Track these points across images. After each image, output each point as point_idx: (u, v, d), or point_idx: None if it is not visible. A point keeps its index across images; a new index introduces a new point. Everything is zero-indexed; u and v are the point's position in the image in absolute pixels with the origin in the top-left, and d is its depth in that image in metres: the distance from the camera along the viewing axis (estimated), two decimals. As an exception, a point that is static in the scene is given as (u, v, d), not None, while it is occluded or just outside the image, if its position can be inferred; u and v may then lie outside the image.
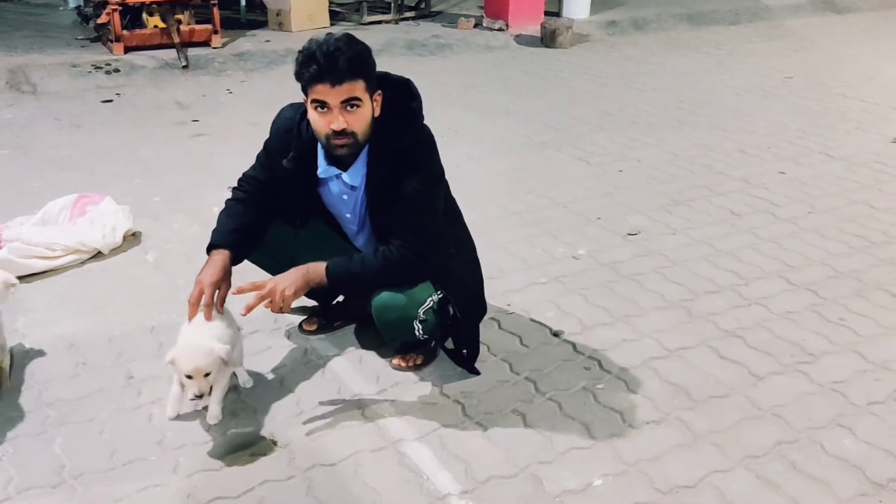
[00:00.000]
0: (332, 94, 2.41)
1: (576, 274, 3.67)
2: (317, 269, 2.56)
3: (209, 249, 2.68)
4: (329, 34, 2.46)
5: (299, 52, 2.45)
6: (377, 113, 2.53)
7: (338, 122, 2.44)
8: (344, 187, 2.68)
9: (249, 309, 2.48)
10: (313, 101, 2.45)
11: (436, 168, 2.66)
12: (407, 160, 2.55)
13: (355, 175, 2.62)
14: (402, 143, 2.55)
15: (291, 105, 2.74)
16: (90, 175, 4.77)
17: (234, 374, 2.78)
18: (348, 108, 2.43)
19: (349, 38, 2.44)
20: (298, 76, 2.45)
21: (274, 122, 2.73)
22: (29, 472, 2.39)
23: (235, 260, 2.70)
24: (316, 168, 2.64)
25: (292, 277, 2.53)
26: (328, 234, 2.88)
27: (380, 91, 2.52)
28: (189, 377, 2.43)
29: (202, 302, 2.55)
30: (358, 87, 2.42)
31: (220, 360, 2.46)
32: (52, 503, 2.29)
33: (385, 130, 2.55)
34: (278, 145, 2.67)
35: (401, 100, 2.59)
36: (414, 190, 2.55)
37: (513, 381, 2.87)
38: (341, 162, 2.61)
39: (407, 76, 2.66)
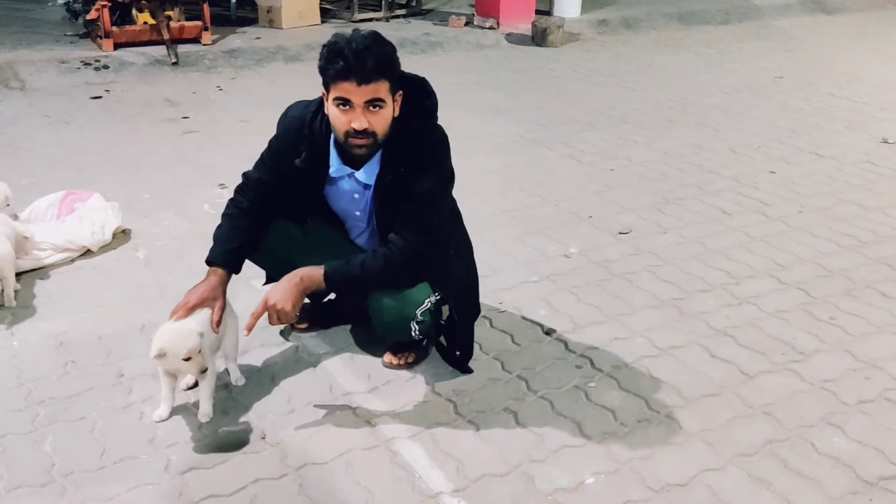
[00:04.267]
0: (357, 93, 2.38)
1: (567, 272, 3.67)
2: (312, 275, 2.53)
3: (209, 262, 2.66)
4: (356, 30, 2.44)
5: (324, 46, 2.43)
6: (397, 113, 2.51)
7: (360, 121, 2.42)
8: (356, 186, 2.65)
9: (250, 329, 2.48)
10: (336, 98, 2.42)
11: (447, 168, 2.65)
12: (421, 159, 2.54)
13: (369, 174, 2.60)
14: (416, 143, 2.54)
15: (300, 102, 2.70)
16: (79, 172, 4.74)
17: (225, 371, 2.78)
18: (371, 108, 2.41)
19: (377, 37, 2.43)
20: (323, 71, 2.43)
21: (281, 122, 2.69)
22: (18, 471, 2.38)
23: (235, 272, 2.69)
24: (327, 167, 2.62)
25: (286, 291, 2.49)
26: (328, 235, 2.85)
27: (401, 91, 2.50)
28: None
29: (179, 307, 2.53)
30: (383, 88, 2.40)
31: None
32: (42, 502, 2.28)
33: (400, 129, 2.53)
34: (288, 145, 2.64)
35: (416, 98, 2.57)
36: (425, 189, 2.54)
37: (505, 380, 2.87)
38: (354, 161, 2.59)
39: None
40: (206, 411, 2.59)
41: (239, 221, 2.71)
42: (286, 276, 2.54)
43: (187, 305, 2.52)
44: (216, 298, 2.57)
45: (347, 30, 2.47)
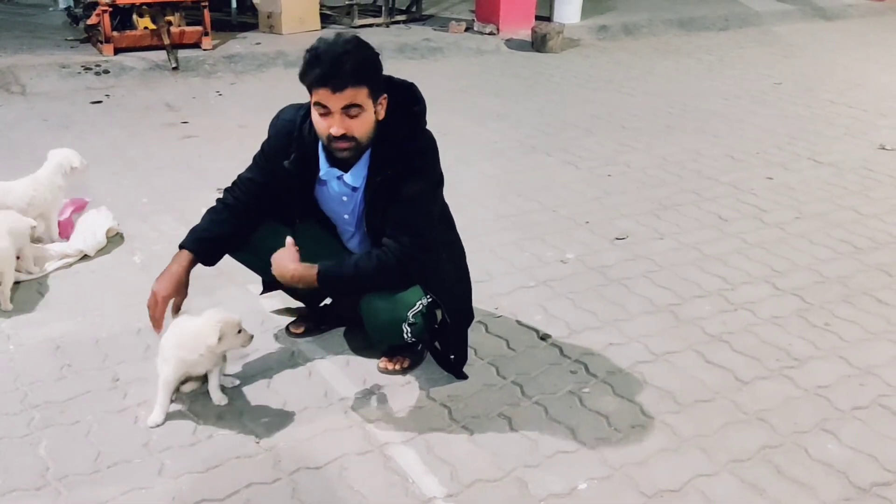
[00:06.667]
0: (334, 100, 2.40)
1: (564, 278, 3.68)
2: (304, 276, 2.55)
3: (180, 247, 2.71)
4: (339, 34, 2.46)
5: (307, 51, 2.45)
6: (381, 116, 2.52)
7: (337, 126, 2.44)
8: (344, 188, 2.67)
9: None
10: (315, 103, 2.45)
11: (436, 173, 2.66)
12: (409, 163, 2.55)
13: (357, 176, 2.62)
14: (404, 147, 2.55)
15: (291, 106, 2.72)
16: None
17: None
18: (350, 113, 2.43)
19: (357, 42, 2.44)
20: (302, 77, 2.44)
21: (273, 124, 2.72)
22: (13, 474, 2.38)
23: (206, 262, 2.73)
24: (316, 169, 2.63)
25: (277, 274, 2.58)
26: (320, 236, 2.87)
27: (385, 95, 2.51)
28: (239, 331, 2.60)
29: (154, 315, 2.62)
30: (360, 94, 2.41)
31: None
32: (36, 506, 2.29)
33: (388, 133, 2.54)
34: (278, 147, 2.66)
35: (404, 103, 2.58)
36: (413, 193, 2.55)
37: (499, 385, 2.87)
38: (343, 163, 2.61)
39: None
40: (218, 397, 2.68)
41: (219, 215, 2.74)
42: (283, 269, 2.57)
43: (157, 305, 2.61)
44: (180, 291, 2.66)
45: (331, 34, 2.47)
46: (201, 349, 2.53)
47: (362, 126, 2.47)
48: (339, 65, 2.37)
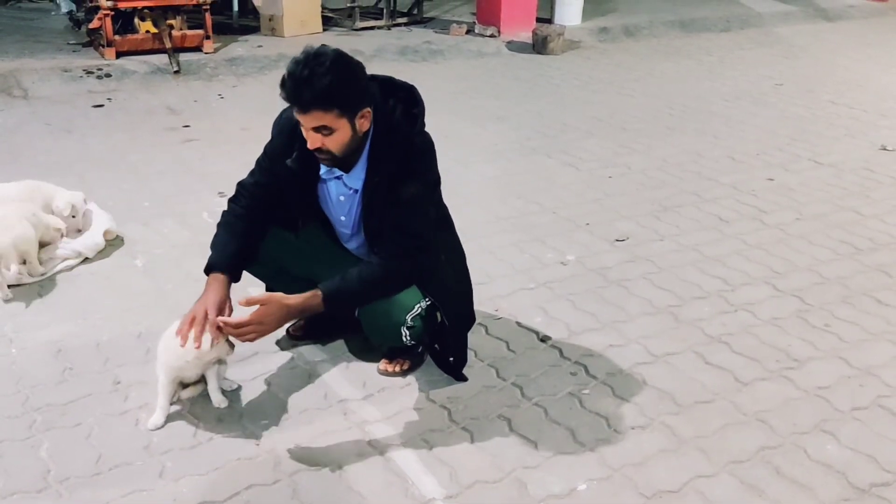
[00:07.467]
0: (302, 119, 2.42)
1: (564, 279, 3.68)
2: (305, 308, 2.51)
3: (208, 270, 2.66)
4: (318, 52, 2.38)
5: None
6: (366, 128, 2.51)
7: (311, 142, 2.45)
8: (343, 188, 2.67)
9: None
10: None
11: (433, 175, 2.67)
12: (406, 165, 2.55)
13: (356, 177, 2.62)
14: (402, 148, 2.55)
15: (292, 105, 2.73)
16: (80, 180, 4.74)
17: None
18: (321, 132, 2.43)
19: (330, 64, 2.34)
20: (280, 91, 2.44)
21: (276, 124, 2.72)
22: (14, 477, 2.39)
23: (234, 280, 2.69)
24: (318, 167, 2.64)
25: (278, 320, 2.50)
26: (322, 240, 2.87)
27: (368, 108, 2.48)
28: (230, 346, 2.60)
29: (193, 327, 2.51)
30: (328, 117, 2.39)
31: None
32: (37, 508, 2.30)
33: (386, 135, 2.55)
34: (281, 146, 2.66)
35: (404, 105, 2.58)
36: (410, 195, 2.55)
37: (499, 387, 2.88)
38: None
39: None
40: (218, 399, 2.68)
41: (235, 228, 2.71)
42: (283, 305, 2.49)
43: (192, 319, 2.51)
44: (222, 307, 2.56)
45: (314, 47, 2.40)
46: (188, 356, 2.52)
47: (335, 142, 2.45)
48: (300, 90, 2.34)
